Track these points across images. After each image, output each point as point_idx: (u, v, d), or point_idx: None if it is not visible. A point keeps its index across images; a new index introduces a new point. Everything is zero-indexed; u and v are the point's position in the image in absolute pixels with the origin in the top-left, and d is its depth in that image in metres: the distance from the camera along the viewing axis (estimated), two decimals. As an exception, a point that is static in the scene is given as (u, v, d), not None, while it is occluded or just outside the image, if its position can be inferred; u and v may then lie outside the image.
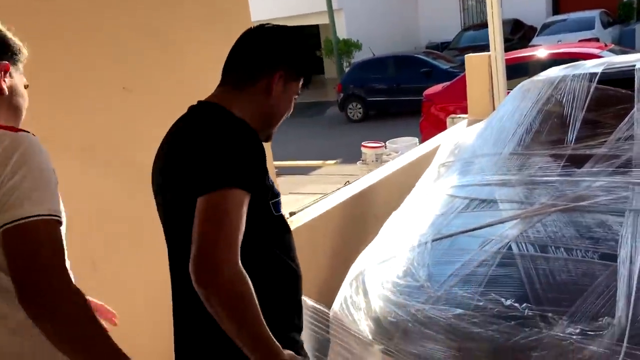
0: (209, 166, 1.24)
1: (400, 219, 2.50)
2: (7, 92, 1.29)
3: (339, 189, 4.57)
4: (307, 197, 5.00)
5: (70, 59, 2.13)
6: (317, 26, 20.03)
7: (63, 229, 1.21)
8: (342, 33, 18.01)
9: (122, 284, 2.33)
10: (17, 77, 1.36)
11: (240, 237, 1.18)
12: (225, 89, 1.45)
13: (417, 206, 2.54)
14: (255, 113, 1.40)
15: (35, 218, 1.09)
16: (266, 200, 1.35)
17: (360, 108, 13.41)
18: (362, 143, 5.48)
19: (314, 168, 8.69)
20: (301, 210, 3.52)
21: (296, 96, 1.49)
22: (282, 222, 1.44)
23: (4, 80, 1.29)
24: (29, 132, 1.22)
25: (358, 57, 17.00)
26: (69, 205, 2.15)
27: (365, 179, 4.34)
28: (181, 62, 2.49)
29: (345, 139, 10.81)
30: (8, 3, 1.94)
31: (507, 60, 5.05)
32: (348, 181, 4.81)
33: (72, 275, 1.25)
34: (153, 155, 2.36)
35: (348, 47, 17.96)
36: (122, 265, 2.32)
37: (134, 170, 2.39)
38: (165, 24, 2.42)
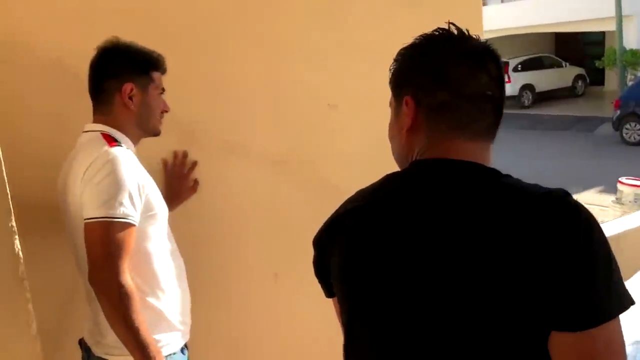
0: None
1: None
2: (133, 108, 1.51)
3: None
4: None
5: (277, 74, 2.15)
6: (602, 33, 18.00)
7: (157, 223, 1.47)
8: (630, 42, 15.85)
9: (301, 299, 2.30)
10: (148, 90, 1.53)
11: None
12: (471, 141, 0.95)
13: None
14: None
15: (92, 220, 1.33)
16: None
17: (639, 129, 11.66)
18: (620, 178, 4.63)
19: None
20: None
21: None
22: None
23: (131, 100, 1.49)
24: (122, 145, 1.43)
25: (647, 70, 14.81)
26: (256, 214, 2.20)
27: (614, 223, 3.68)
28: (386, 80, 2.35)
29: (612, 163, 9.49)
30: (220, 21, 2.02)
31: None
32: (592, 220, 4.13)
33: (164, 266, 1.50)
34: (350, 175, 2.28)
35: (636, 58, 15.74)
36: (302, 281, 2.28)
37: (327, 188, 2.33)
38: (378, 40, 2.28)
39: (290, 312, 2.31)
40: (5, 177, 1.11)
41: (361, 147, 2.29)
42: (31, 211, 1.44)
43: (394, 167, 1.11)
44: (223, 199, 2.13)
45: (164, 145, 1.94)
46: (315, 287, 2.38)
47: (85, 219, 1.34)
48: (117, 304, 1.30)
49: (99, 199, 1.33)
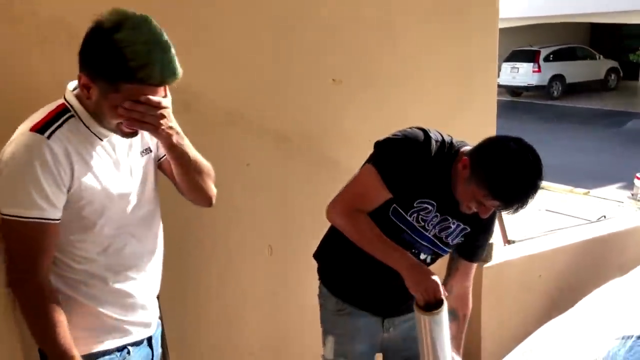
0: None
1: (619, 293, 1.95)
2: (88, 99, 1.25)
3: (590, 222, 3.88)
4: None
5: (281, 47, 2.13)
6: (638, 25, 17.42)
7: (92, 211, 1.30)
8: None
9: (293, 273, 2.32)
10: (107, 96, 1.22)
11: None
12: None
13: (649, 281, 1.96)
14: None
15: (4, 217, 1.22)
16: None
17: (671, 127, 11.38)
18: (638, 174, 4.53)
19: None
20: (522, 240, 3.07)
21: None
22: None
23: (86, 90, 1.23)
24: (41, 135, 1.22)
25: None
26: (253, 187, 2.20)
27: (624, 219, 3.61)
28: (397, 56, 2.33)
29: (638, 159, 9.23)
30: None
31: None
32: (604, 216, 4.07)
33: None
34: (351, 152, 2.25)
35: (674, 53, 15.27)
36: (295, 255, 2.30)
37: (327, 164, 2.31)
38: (386, 18, 2.25)
39: (284, 284, 2.33)
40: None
41: (363, 124, 2.28)
42: None
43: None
44: (222, 170, 2.12)
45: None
46: (309, 260, 2.41)
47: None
48: (31, 306, 1.24)
49: (9, 194, 1.21)
